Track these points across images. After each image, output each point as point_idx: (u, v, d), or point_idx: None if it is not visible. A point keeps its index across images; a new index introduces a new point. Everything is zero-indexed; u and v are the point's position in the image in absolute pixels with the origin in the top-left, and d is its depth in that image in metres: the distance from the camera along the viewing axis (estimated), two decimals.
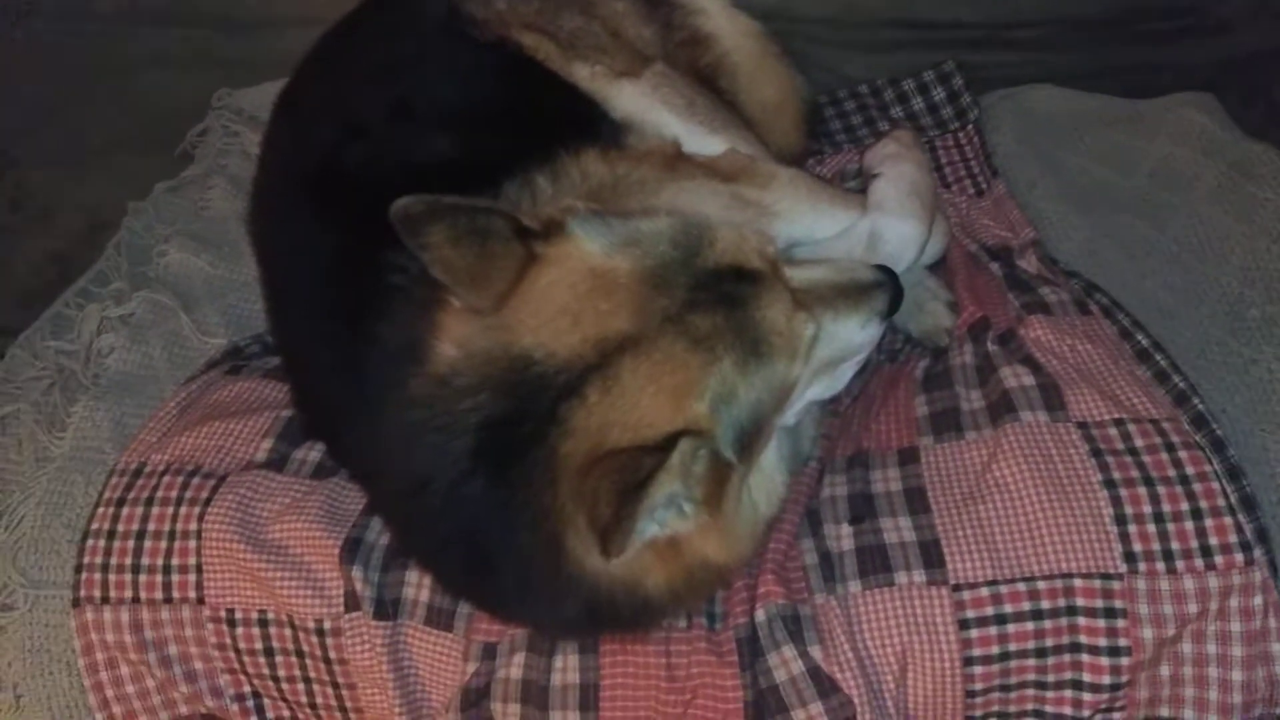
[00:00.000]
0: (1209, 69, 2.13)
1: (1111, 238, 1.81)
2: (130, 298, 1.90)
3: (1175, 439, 1.40)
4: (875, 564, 1.38)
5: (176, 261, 1.97)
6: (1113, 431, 1.42)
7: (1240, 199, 1.82)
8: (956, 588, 1.35)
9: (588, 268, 1.18)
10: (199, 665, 1.51)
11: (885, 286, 1.34)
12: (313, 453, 1.59)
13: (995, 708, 1.36)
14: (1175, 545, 1.32)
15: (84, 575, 1.52)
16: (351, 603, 1.44)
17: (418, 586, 1.44)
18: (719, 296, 1.18)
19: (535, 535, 1.15)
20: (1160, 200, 1.86)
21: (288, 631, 1.47)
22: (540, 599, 1.24)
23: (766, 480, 1.31)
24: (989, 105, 2.08)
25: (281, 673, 1.49)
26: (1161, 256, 1.76)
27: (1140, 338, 1.57)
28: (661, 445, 1.08)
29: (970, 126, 2.04)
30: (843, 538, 1.42)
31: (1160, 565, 1.32)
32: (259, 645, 1.48)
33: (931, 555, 1.37)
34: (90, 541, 1.54)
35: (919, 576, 1.36)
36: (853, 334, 1.33)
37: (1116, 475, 1.37)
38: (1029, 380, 1.49)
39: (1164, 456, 1.38)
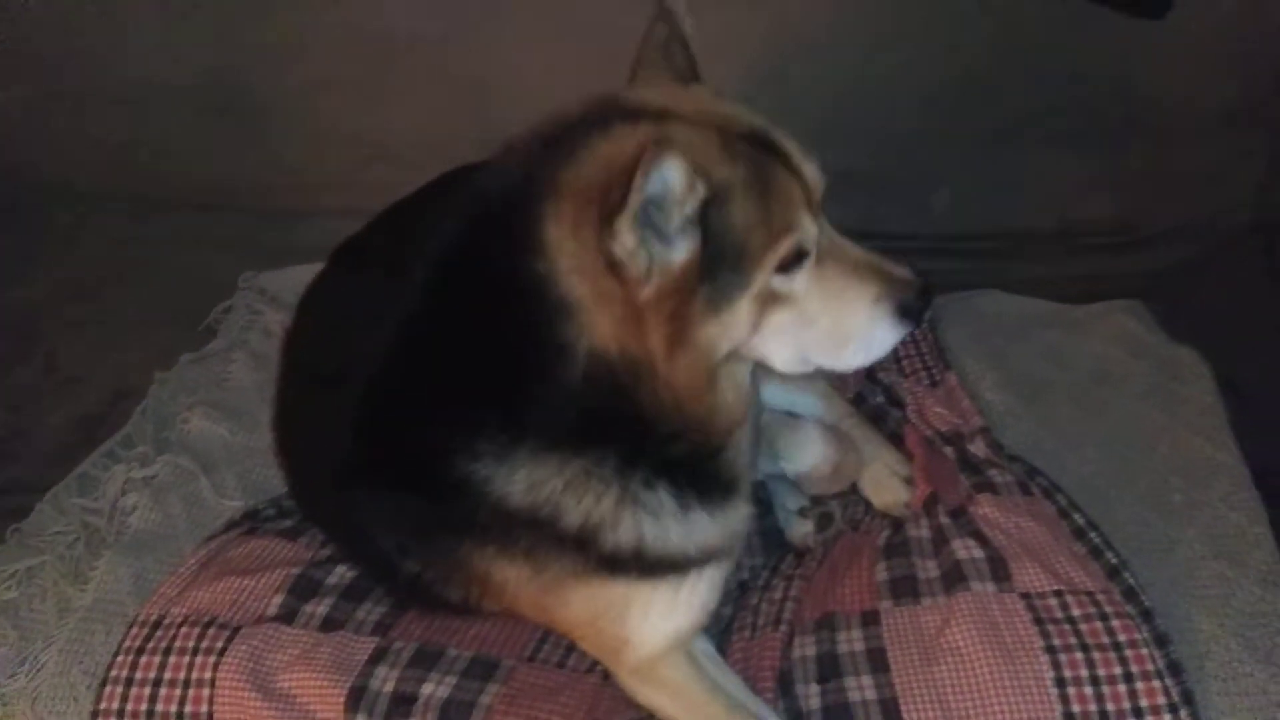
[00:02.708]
0: (1138, 279, 2.35)
1: (1051, 427, 1.99)
2: (154, 460, 2.02)
3: (1109, 609, 1.53)
4: None
5: (198, 428, 2.10)
6: (1053, 602, 1.54)
7: (1166, 396, 2.01)
8: None
9: None
10: None
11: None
12: (321, 607, 1.69)
13: None
14: (1110, 706, 1.43)
15: None
16: None
17: None
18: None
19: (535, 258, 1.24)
20: (1095, 394, 2.05)
21: None
22: (537, 370, 1.28)
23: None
24: (942, 306, 2.26)
25: None
26: (1096, 444, 1.93)
27: (1077, 517, 1.72)
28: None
29: (925, 324, 2.22)
30: (811, 697, 1.52)
31: None
32: None
33: (890, 713, 1.47)
34: (108, 688, 1.60)
35: None
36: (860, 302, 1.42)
37: (1056, 642, 1.49)
38: (978, 553, 1.63)
39: (1099, 625, 1.51)
